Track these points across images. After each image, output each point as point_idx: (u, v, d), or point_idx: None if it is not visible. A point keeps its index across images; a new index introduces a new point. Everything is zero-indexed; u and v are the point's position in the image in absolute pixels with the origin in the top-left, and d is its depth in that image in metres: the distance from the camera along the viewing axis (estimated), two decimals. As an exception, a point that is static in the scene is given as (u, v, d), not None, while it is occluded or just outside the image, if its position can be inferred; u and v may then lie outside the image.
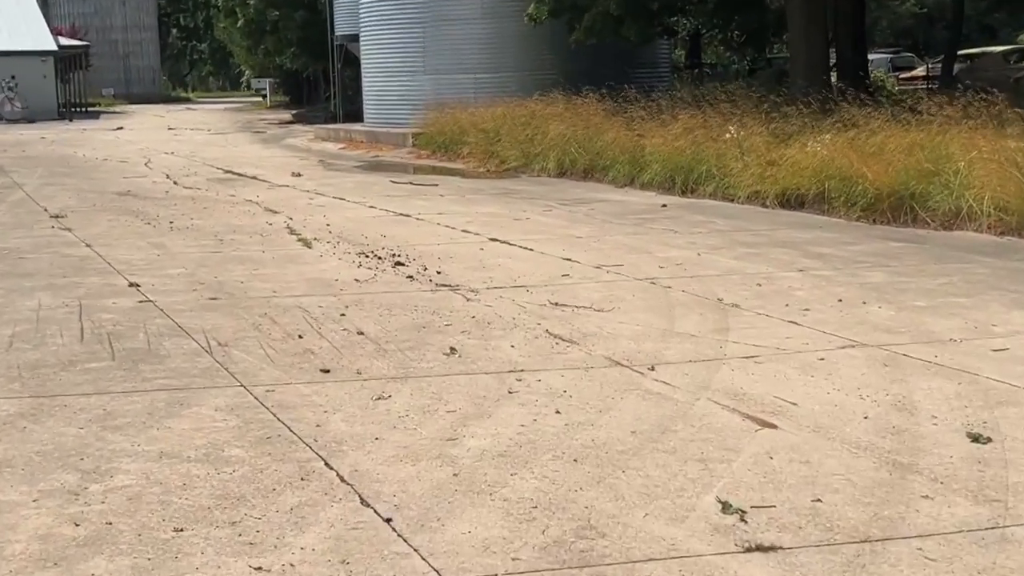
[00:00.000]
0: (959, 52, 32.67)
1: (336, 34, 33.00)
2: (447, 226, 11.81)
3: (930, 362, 6.22)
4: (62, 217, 12.54)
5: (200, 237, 10.99)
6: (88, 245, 10.37)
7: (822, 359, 6.38)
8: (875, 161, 13.10)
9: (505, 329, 7.02)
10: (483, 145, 20.16)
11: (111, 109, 55.05)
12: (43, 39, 47.35)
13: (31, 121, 40.97)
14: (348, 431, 4.98)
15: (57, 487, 4.22)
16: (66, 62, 49.68)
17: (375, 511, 4.05)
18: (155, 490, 4.21)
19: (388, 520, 3.96)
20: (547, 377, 5.94)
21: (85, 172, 19.15)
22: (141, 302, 7.72)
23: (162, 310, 7.44)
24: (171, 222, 12.12)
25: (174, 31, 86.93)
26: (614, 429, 5.08)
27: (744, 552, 3.77)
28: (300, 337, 6.70)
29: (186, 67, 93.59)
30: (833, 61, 22.74)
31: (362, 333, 6.81)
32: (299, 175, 18.37)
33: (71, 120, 43.03)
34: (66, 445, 4.71)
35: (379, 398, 5.48)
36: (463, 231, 11.43)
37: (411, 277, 8.76)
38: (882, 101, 16.80)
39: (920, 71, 36.52)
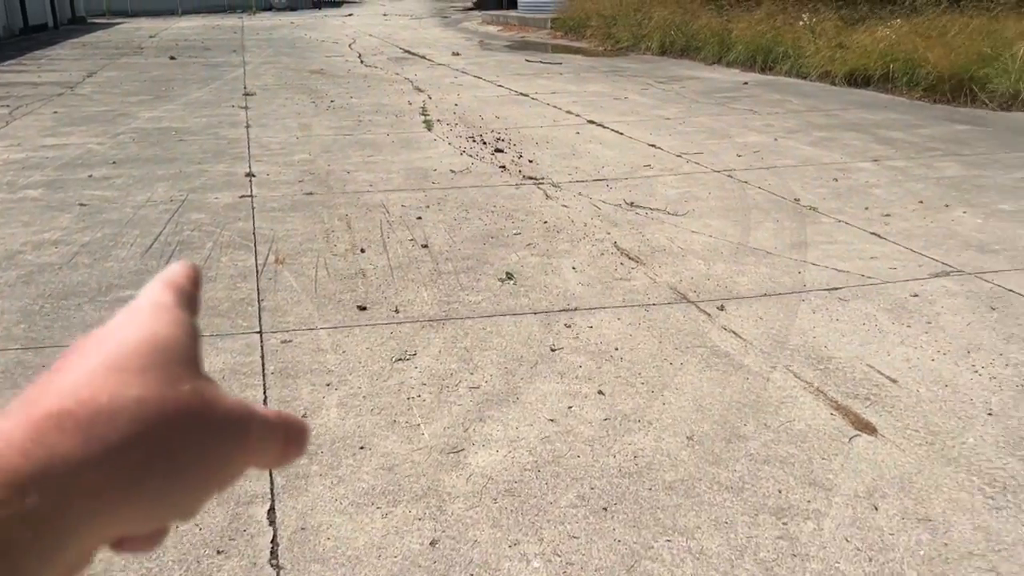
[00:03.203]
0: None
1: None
2: (555, 106, 9.16)
3: (1051, 313, 3.59)
4: (251, 95, 10.33)
5: (344, 118, 8.64)
6: (247, 126, 8.16)
7: (915, 295, 3.81)
8: (937, 45, 9.84)
9: (573, 241, 4.58)
10: (603, 28, 17.06)
11: (354, -1, 51.96)
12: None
13: (293, 9, 38.39)
14: (336, 427, 2.72)
15: None
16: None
17: (285, 646, 1.84)
18: None
19: None
20: (600, 321, 3.54)
21: (300, 52, 16.78)
22: (241, 197, 5.47)
23: (253, 209, 5.19)
24: (332, 101, 9.79)
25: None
26: (666, 431, 2.72)
27: None
28: (362, 251, 4.39)
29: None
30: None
31: (426, 246, 4.46)
32: (457, 54, 15.66)
33: (320, 8, 40.13)
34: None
35: (400, 359, 3.20)
36: (567, 112, 8.79)
37: (503, 167, 6.29)
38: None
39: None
